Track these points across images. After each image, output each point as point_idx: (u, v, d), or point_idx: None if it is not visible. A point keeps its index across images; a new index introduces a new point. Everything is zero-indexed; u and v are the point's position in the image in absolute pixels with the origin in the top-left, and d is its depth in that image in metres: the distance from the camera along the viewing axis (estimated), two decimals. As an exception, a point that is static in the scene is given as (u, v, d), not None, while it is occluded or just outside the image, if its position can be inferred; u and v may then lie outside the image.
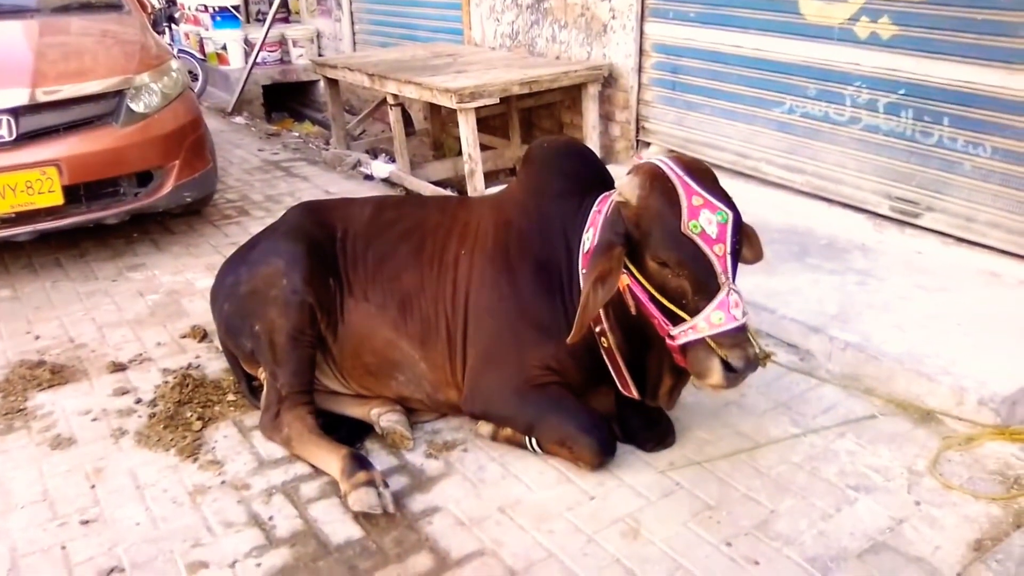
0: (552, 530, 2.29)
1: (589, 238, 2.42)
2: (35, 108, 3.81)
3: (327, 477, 2.51)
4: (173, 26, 8.86)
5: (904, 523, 2.29)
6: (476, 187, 5.00)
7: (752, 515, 2.33)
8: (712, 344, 2.12)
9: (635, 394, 2.50)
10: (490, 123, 6.11)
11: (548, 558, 2.19)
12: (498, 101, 5.10)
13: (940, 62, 3.51)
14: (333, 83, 6.33)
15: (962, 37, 3.41)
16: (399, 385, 2.72)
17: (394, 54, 6.33)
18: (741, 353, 2.10)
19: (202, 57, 8.54)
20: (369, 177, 5.80)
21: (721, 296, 2.11)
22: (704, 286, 2.12)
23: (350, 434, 2.70)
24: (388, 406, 2.74)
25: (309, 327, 2.67)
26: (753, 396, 2.88)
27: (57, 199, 3.85)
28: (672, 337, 2.19)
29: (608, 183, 2.64)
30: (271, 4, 7.86)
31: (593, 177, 2.64)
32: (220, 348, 3.12)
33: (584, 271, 2.42)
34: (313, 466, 2.56)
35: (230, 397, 2.97)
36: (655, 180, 2.17)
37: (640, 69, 5.04)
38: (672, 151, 4.98)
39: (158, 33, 5.31)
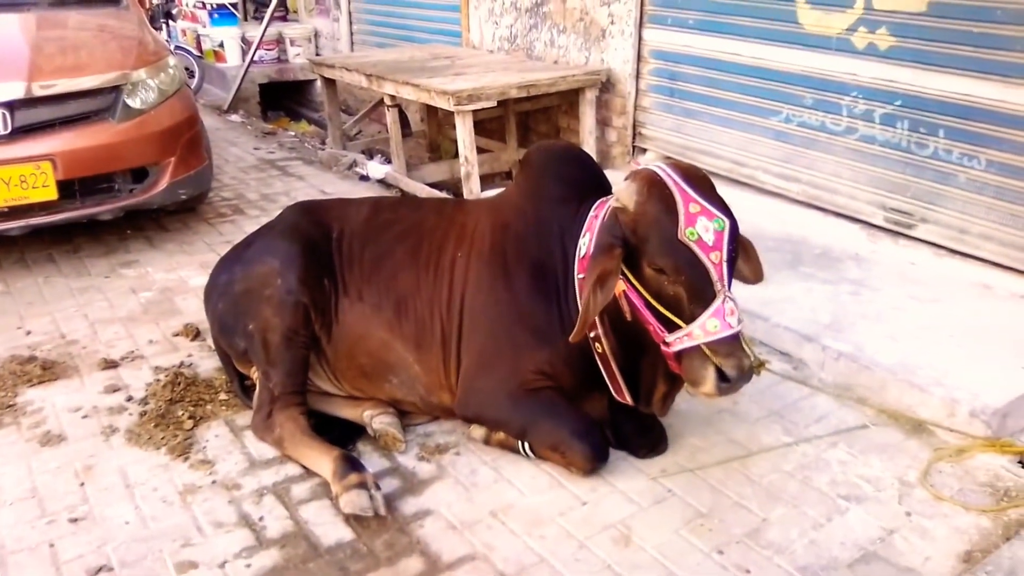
0: (544, 535, 2.29)
1: (585, 243, 2.42)
2: (30, 102, 3.79)
3: (318, 478, 2.50)
4: (170, 22, 8.83)
5: (895, 533, 2.30)
6: (472, 190, 4.99)
7: (744, 523, 2.33)
8: (707, 352, 2.12)
9: (629, 400, 2.50)
10: (487, 126, 6.11)
11: (539, 563, 2.19)
12: (495, 104, 5.10)
13: (937, 74, 3.53)
14: (330, 83, 6.32)
15: (959, 50, 3.43)
16: (392, 387, 2.72)
17: (392, 55, 6.32)
18: (736, 363, 2.10)
19: (199, 54, 8.51)
20: (365, 178, 5.79)
21: (717, 304, 2.11)
22: (700, 293, 2.12)
23: (342, 435, 2.69)
24: (381, 408, 2.74)
25: (303, 327, 2.66)
26: (746, 404, 2.88)
27: (51, 194, 3.83)
28: (667, 344, 2.19)
29: (605, 188, 2.64)
30: (269, 2, 7.84)
31: (591, 182, 2.64)
32: (213, 347, 3.11)
33: (581, 275, 2.43)
34: (304, 467, 2.55)
35: (222, 396, 2.96)
36: (652, 187, 2.17)
37: (638, 75, 5.05)
38: (669, 158, 4.99)
39: (155, 29, 5.30)
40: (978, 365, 2.88)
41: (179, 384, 2.99)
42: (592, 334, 2.42)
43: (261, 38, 7.96)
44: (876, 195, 3.90)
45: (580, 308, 2.43)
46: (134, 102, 4.06)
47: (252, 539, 2.28)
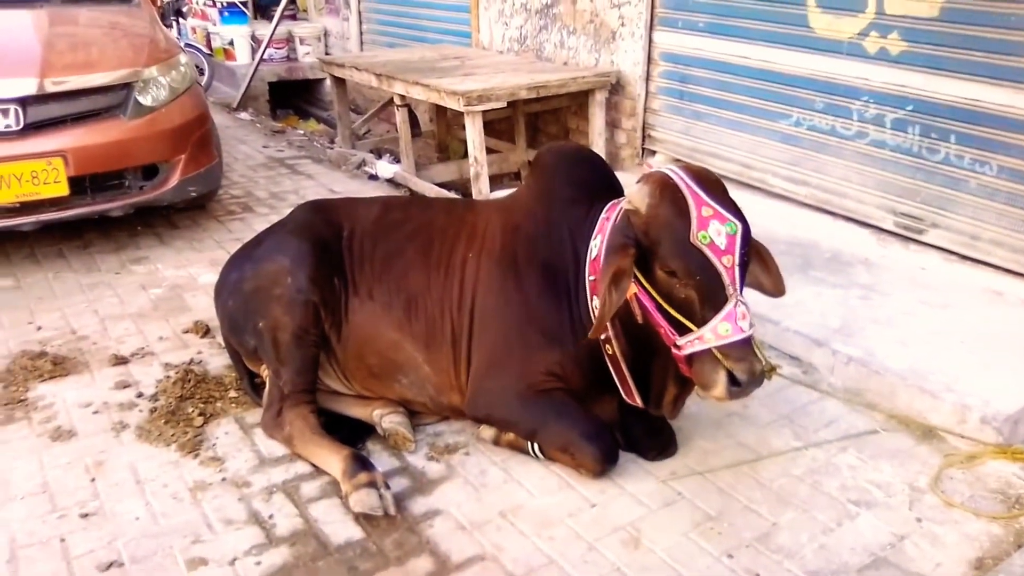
0: (553, 536, 2.29)
1: (597, 245, 2.42)
2: (43, 98, 3.80)
3: (328, 477, 2.51)
4: (180, 20, 8.86)
5: (905, 539, 2.29)
6: (481, 190, 5.00)
7: (753, 527, 2.33)
8: (718, 355, 2.12)
9: (639, 402, 2.50)
10: (495, 127, 6.11)
11: (549, 564, 2.19)
12: (505, 105, 5.10)
13: (949, 79, 3.52)
14: (340, 82, 6.33)
15: (971, 55, 3.42)
16: (402, 387, 2.72)
17: (402, 55, 6.33)
18: (747, 367, 2.10)
19: (209, 52, 8.53)
20: (374, 177, 5.80)
21: (728, 307, 2.11)
22: (712, 297, 2.12)
23: (352, 434, 2.70)
24: (391, 407, 2.74)
25: (313, 326, 2.66)
26: (755, 407, 2.88)
27: (62, 190, 3.85)
28: (678, 347, 2.19)
29: (617, 190, 2.64)
30: (279, 1, 7.86)
31: (602, 184, 2.64)
32: (222, 344, 3.12)
33: (592, 277, 2.43)
34: (314, 465, 2.55)
35: (232, 394, 2.96)
36: (665, 189, 2.17)
37: (648, 77, 5.05)
38: (677, 160, 4.99)
39: (165, 27, 5.31)
40: (989, 371, 2.88)
41: (189, 381, 3.00)
42: (603, 336, 2.42)
43: (271, 37, 7.97)
44: (886, 200, 3.89)
45: (592, 309, 2.44)
46: (145, 99, 4.07)
47: (262, 537, 2.28)
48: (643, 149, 5.24)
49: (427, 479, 2.54)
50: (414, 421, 2.75)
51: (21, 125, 3.75)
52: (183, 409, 2.85)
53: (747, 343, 2.12)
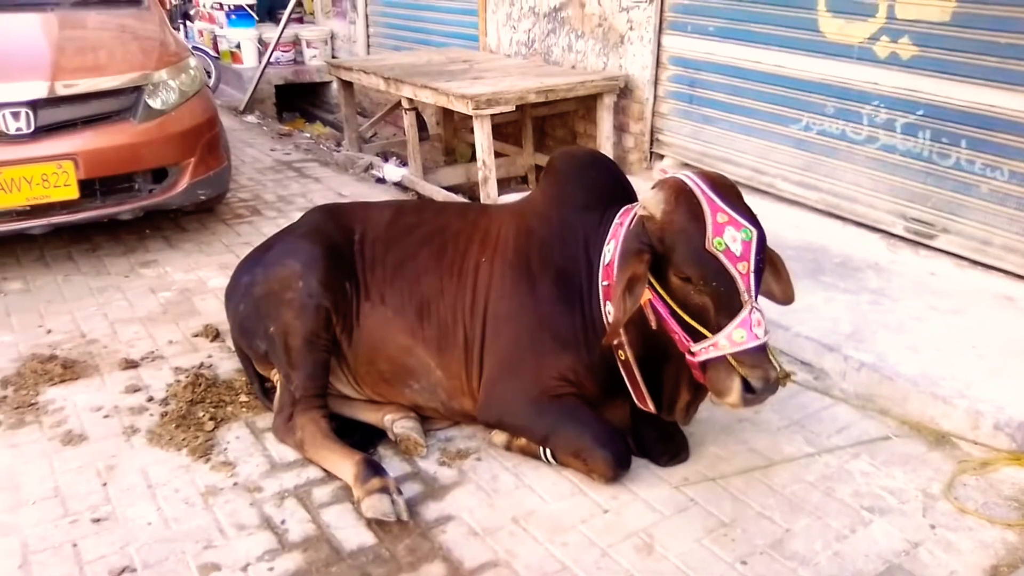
0: (566, 542, 2.28)
1: (610, 250, 2.42)
2: (53, 101, 3.81)
3: (340, 482, 2.50)
4: (187, 23, 8.88)
5: (920, 547, 2.28)
6: (490, 194, 5.00)
7: (767, 534, 2.32)
8: (733, 362, 2.11)
9: (652, 408, 2.50)
10: (503, 130, 6.11)
11: (562, 570, 2.18)
12: (514, 109, 5.10)
13: (960, 84, 3.51)
14: (347, 85, 6.34)
15: (983, 60, 3.41)
16: (413, 393, 2.72)
17: (409, 58, 6.34)
18: (762, 374, 2.09)
19: (215, 55, 8.55)
20: (381, 180, 5.80)
21: (743, 314, 2.10)
22: (727, 304, 2.11)
23: (363, 439, 2.69)
24: (402, 412, 2.73)
25: (324, 331, 2.66)
26: (767, 413, 2.87)
27: (72, 193, 3.85)
28: (693, 353, 2.18)
29: (630, 196, 2.63)
30: (287, 4, 7.87)
31: (615, 189, 2.63)
32: (232, 348, 3.12)
33: (605, 283, 2.42)
34: (326, 470, 2.55)
35: (242, 398, 2.96)
36: (680, 195, 2.17)
37: (656, 81, 5.05)
38: (686, 164, 4.99)
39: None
40: (1002, 377, 2.87)
41: (200, 385, 3.00)
42: (615, 342, 2.41)
43: (278, 40, 7.99)
44: (897, 205, 3.88)
45: (605, 315, 2.44)
46: (155, 103, 4.08)
47: (274, 542, 2.28)
48: (651, 153, 5.23)
49: (439, 484, 2.53)
50: (425, 426, 2.74)
51: (32, 128, 3.75)
52: (194, 413, 2.85)
53: (762, 350, 2.11)
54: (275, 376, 2.80)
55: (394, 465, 2.60)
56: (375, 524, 2.33)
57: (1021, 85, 3.31)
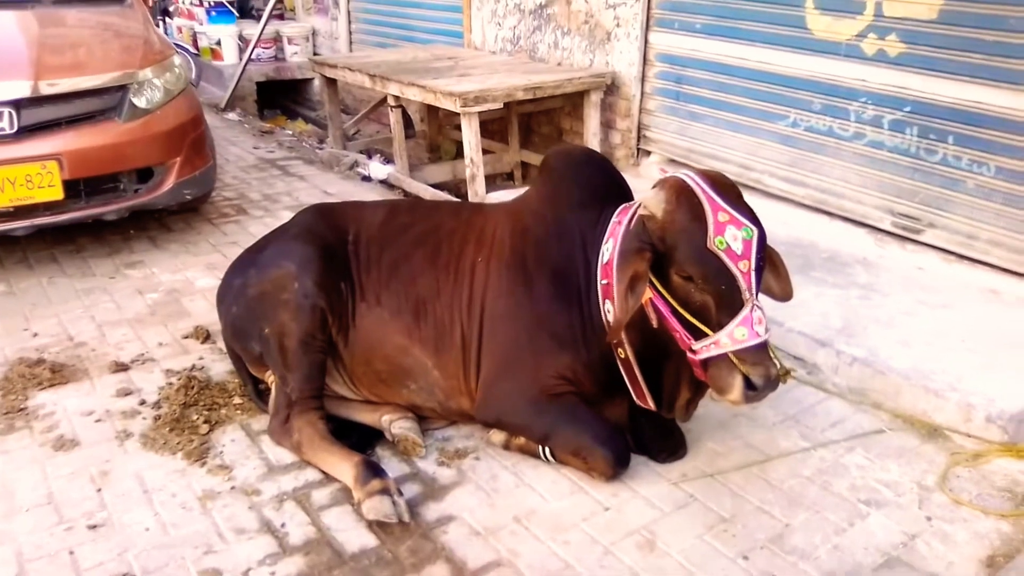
0: (568, 541, 2.29)
1: (608, 249, 2.42)
2: (37, 101, 3.75)
3: (338, 484, 2.49)
4: (167, 19, 8.77)
5: (917, 538, 2.31)
6: (477, 192, 4.99)
7: (766, 529, 2.34)
8: (734, 360, 2.12)
9: (651, 405, 2.50)
10: (488, 127, 6.09)
11: (565, 569, 2.19)
12: (501, 106, 5.09)
13: (947, 81, 3.55)
14: (331, 83, 6.29)
15: (970, 57, 3.45)
16: (410, 393, 2.71)
17: (394, 55, 6.30)
18: (763, 371, 2.11)
19: (195, 52, 8.44)
20: (367, 178, 5.77)
21: (745, 312, 2.12)
22: (728, 302, 2.12)
23: (360, 440, 2.68)
24: (400, 412, 2.72)
25: (320, 332, 2.64)
26: (763, 409, 2.89)
27: (57, 194, 3.79)
28: (694, 351, 2.19)
29: (626, 194, 2.64)
30: (263, 1, 7.79)
31: (611, 187, 2.64)
32: (224, 350, 3.08)
33: (604, 281, 2.42)
34: (324, 472, 2.53)
35: (236, 400, 2.94)
36: (681, 195, 2.17)
37: (643, 78, 5.06)
38: (673, 161, 5.01)
39: (153, 26, 5.24)
40: (992, 370, 2.90)
41: (192, 388, 2.96)
42: (615, 340, 2.41)
43: (259, 36, 7.91)
44: (884, 200, 3.92)
45: (603, 313, 2.44)
46: (140, 101, 4.02)
47: (275, 546, 2.26)
48: (638, 150, 5.24)
49: (438, 485, 2.52)
50: (422, 426, 2.74)
51: (15, 128, 3.69)
52: (188, 416, 2.82)
53: (763, 347, 2.13)
54: (269, 378, 2.78)
55: (392, 466, 2.59)
56: (376, 526, 2.32)
57: (1007, 82, 3.35)
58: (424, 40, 6.97)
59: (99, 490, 2.47)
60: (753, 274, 2.13)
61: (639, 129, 5.19)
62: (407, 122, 6.05)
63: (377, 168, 5.79)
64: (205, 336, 3.38)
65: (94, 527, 2.32)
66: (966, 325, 3.25)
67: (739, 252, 2.11)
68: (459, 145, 6.17)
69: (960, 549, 2.27)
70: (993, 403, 2.73)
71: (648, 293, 2.24)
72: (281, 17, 8.79)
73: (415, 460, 2.63)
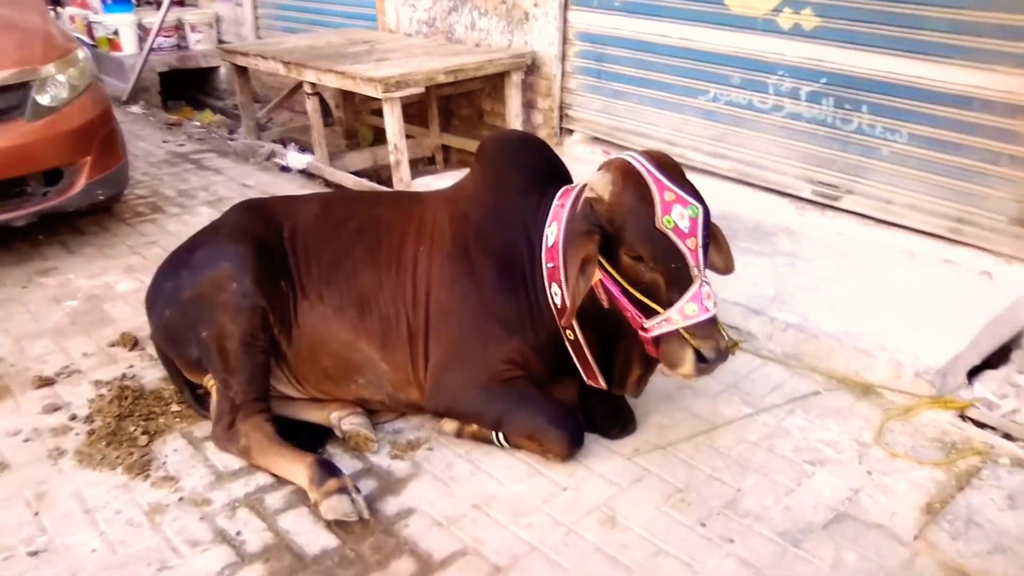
0: (531, 523, 2.30)
1: (552, 232, 2.43)
2: None
3: (291, 486, 2.44)
4: (58, 9, 8.27)
5: (860, 492, 2.43)
6: (403, 178, 4.92)
7: (720, 495, 2.41)
8: (685, 335, 2.17)
9: (602, 384, 2.54)
10: (407, 111, 5.94)
11: (531, 552, 2.21)
12: (424, 90, 5.02)
13: (861, 53, 3.67)
14: (242, 71, 6.06)
15: (882, 29, 3.58)
16: (359, 387, 2.66)
17: (307, 40, 6.11)
18: (713, 344, 2.17)
19: (92, 43, 7.99)
20: (285, 168, 5.61)
21: (694, 289, 2.16)
22: (678, 279, 2.17)
23: (310, 440, 2.63)
24: (348, 408, 2.68)
25: (262, 332, 2.57)
26: (704, 378, 2.91)
27: (-42, 201, 3.56)
28: (645, 329, 2.23)
29: (565, 177, 2.65)
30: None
31: (550, 171, 2.64)
32: (155, 356, 2.96)
33: (549, 264, 2.43)
34: (276, 476, 2.48)
35: (174, 408, 2.83)
36: (627, 176, 2.19)
37: (564, 57, 5.07)
38: (596, 139, 5.05)
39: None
40: (916, 328, 3.06)
41: (126, 398, 2.85)
42: (568, 324, 2.43)
43: (160, 25, 7.55)
44: (804, 170, 4.05)
45: (550, 296, 2.45)
46: (44, 99, 3.79)
47: (233, 555, 2.20)
48: (561, 129, 5.26)
49: (394, 478, 2.50)
50: (372, 420, 2.70)
51: (-92, 132, 3.43)
52: (124, 428, 2.70)
53: (712, 322, 2.18)
54: (208, 383, 2.68)
55: (345, 462, 2.56)
56: (335, 525, 2.29)
57: (919, 52, 3.49)
58: (336, 24, 6.79)
59: (36, 514, 2.35)
60: (700, 251, 2.18)
61: (561, 108, 5.20)
62: (325, 110, 5.90)
63: (295, 158, 5.64)
64: (133, 343, 3.24)
65: (35, 553, 2.20)
66: (888, 286, 3.40)
67: (686, 230, 2.15)
68: (378, 130, 6.05)
69: (900, 499, 2.40)
70: (919, 359, 2.88)
71: (597, 274, 2.26)
72: (182, 3, 8.40)
73: (368, 455, 2.60)
